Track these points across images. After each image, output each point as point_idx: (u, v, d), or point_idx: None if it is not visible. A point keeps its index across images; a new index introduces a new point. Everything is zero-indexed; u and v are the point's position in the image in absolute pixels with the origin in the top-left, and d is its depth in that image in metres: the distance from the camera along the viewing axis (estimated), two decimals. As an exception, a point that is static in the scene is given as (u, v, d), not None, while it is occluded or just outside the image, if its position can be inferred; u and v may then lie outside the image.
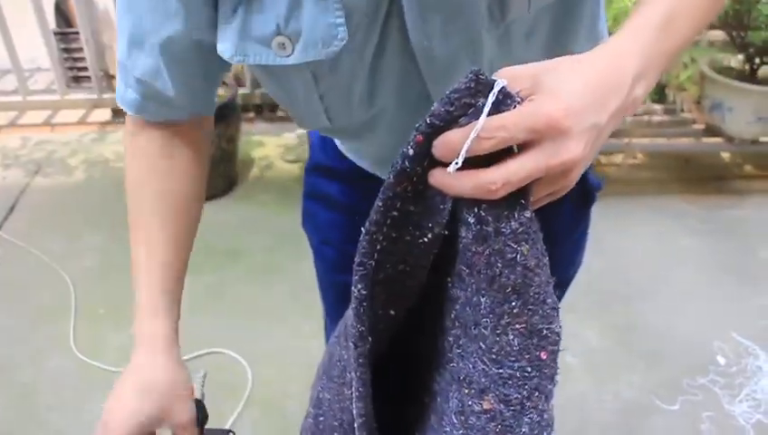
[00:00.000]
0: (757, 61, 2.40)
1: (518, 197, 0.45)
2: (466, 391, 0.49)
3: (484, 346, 0.47)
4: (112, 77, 3.05)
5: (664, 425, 1.68)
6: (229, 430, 0.78)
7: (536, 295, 0.46)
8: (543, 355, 0.47)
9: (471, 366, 0.49)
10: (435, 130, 0.45)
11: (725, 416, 1.69)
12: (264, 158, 2.87)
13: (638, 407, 1.73)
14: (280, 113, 3.14)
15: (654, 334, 1.94)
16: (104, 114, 3.16)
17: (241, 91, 2.88)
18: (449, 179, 0.45)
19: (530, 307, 0.46)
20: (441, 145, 0.44)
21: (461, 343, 0.50)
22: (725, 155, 2.79)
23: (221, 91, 2.42)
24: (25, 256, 2.25)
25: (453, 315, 0.51)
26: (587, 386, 1.78)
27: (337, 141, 0.83)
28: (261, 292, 2.11)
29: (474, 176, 0.44)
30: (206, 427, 0.74)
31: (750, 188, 2.61)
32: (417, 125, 0.45)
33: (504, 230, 0.45)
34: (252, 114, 3.16)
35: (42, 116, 3.15)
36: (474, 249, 0.46)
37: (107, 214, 2.47)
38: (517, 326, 0.46)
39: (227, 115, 2.45)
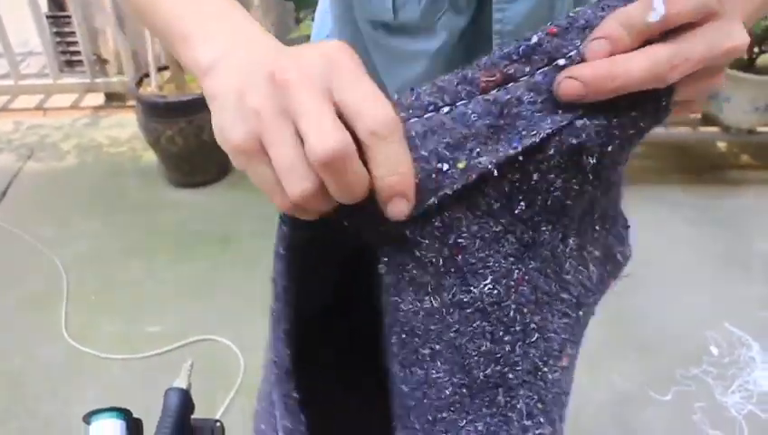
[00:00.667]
0: (756, 50, 2.39)
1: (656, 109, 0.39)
2: (543, 367, 0.43)
3: (567, 296, 0.44)
4: (105, 61, 3.02)
5: (656, 416, 1.68)
6: (217, 420, 0.77)
7: (614, 211, 0.43)
8: (612, 285, 0.44)
9: (552, 333, 0.43)
10: (574, 28, 0.37)
11: (718, 407, 1.69)
12: (258, 144, 2.85)
13: (630, 398, 1.72)
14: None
15: (647, 325, 1.93)
16: (97, 99, 3.13)
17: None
18: (612, 64, 0.36)
19: (606, 226, 0.43)
20: (616, 17, 0.36)
21: (538, 325, 0.43)
22: (722, 145, 2.78)
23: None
24: (17, 241, 2.24)
25: (511, 312, 0.42)
26: (580, 377, 1.77)
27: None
28: (253, 279, 2.09)
29: (648, 52, 0.36)
30: (194, 416, 0.73)
31: (746, 178, 2.60)
32: (551, 22, 0.38)
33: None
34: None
35: (34, 100, 3.12)
36: (575, 192, 0.40)
37: (100, 199, 2.46)
38: (596, 253, 0.43)
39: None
